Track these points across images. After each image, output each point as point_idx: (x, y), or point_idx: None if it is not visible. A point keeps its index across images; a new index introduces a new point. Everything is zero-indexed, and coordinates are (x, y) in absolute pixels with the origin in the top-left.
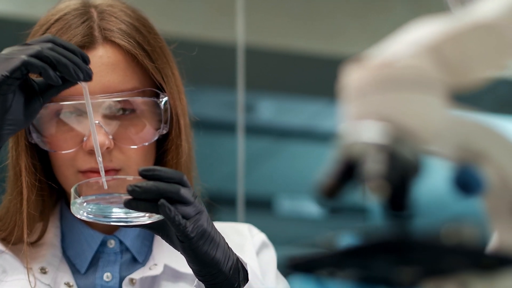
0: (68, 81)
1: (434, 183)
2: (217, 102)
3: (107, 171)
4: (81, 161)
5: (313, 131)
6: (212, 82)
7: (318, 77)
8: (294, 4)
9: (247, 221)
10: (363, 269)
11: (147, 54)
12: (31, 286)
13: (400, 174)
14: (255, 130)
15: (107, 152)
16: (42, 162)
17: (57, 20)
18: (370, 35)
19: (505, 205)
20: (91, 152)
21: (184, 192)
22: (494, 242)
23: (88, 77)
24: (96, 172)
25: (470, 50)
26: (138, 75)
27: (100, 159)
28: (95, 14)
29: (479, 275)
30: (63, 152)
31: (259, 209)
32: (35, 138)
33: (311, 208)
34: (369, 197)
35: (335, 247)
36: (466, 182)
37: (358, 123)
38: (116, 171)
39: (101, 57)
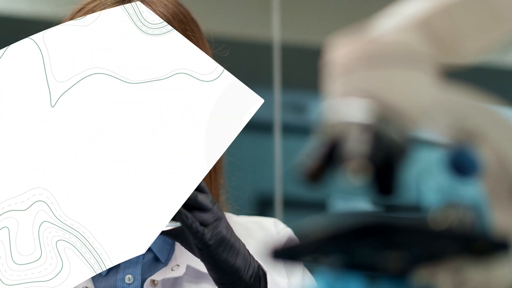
0: None
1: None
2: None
3: None
4: None
5: None
6: (268, 82)
7: None
8: (330, 0)
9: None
10: (348, 255)
11: None
12: None
13: (385, 155)
14: (308, 131)
15: None
16: None
17: None
18: None
19: (503, 186)
20: None
21: (202, 198)
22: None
23: None
24: None
25: (460, 22)
26: None
27: None
28: None
29: (474, 261)
30: None
31: (314, 210)
32: None
33: (364, 207)
34: (351, 179)
35: (319, 233)
36: (461, 163)
37: (342, 101)
38: None
39: None
